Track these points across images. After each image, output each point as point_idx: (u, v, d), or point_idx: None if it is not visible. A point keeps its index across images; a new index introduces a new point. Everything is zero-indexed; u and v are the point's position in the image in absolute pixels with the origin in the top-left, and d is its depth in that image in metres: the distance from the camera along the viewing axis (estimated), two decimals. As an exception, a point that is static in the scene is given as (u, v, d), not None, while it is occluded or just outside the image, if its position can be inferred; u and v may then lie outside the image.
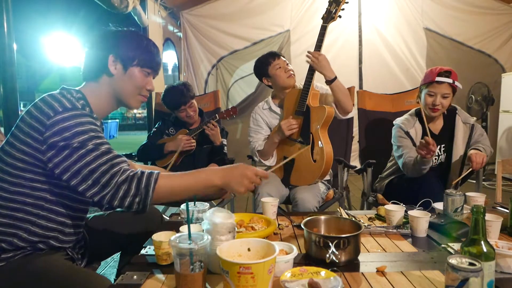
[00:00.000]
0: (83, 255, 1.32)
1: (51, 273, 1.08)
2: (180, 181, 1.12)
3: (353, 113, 2.14)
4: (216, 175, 1.12)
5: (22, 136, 1.09)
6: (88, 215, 1.44)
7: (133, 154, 2.58)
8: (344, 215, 1.49)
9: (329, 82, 1.98)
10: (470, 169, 1.95)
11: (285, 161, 1.49)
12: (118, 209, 1.49)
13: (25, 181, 1.10)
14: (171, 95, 2.44)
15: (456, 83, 1.95)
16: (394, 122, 2.17)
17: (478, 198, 1.57)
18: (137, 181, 1.06)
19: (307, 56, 1.99)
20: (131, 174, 1.07)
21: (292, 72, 2.14)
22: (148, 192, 1.06)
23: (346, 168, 2.36)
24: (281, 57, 2.18)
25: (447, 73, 1.94)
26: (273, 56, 2.17)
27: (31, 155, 1.08)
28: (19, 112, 1.98)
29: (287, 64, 2.16)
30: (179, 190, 1.11)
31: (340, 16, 1.99)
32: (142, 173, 1.08)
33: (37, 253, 1.14)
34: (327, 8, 1.99)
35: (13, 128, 1.13)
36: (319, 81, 2.19)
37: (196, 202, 1.30)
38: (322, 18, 2.00)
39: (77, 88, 1.22)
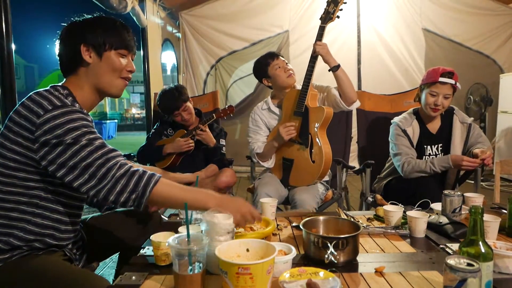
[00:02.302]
0: (81, 256, 1.32)
1: (49, 274, 1.08)
2: (177, 192, 1.11)
3: (358, 104, 2.13)
4: (213, 200, 1.11)
5: (12, 135, 1.08)
6: (86, 216, 1.44)
7: (132, 154, 2.58)
8: (343, 216, 1.49)
9: (335, 68, 1.98)
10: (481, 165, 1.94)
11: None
12: (118, 209, 1.50)
13: (18, 180, 1.10)
14: (164, 100, 2.42)
15: (457, 84, 1.97)
16: (392, 121, 2.19)
17: (476, 199, 1.57)
18: (137, 178, 1.06)
19: (314, 46, 1.99)
20: (132, 170, 1.07)
21: (291, 72, 2.14)
22: (146, 192, 1.06)
23: (344, 169, 2.36)
24: (280, 57, 2.18)
25: (450, 74, 1.96)
26: (272, 56, 2.18)
27: (22, 154, 1.08)
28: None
29: (286, 63, 2.16)
30: (173, 201, 1.12)
31: (338, 17, 2.00)
32: (144, 172, 1.08)
33: (35, 254, 1.13)
34: (325, 9, 1.99)
35: (2, 128, 1.13)
36: (318, 80, 2.19)
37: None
38: (320, 19, 2.00)
39: (61, 84, 1.20)
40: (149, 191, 1.06)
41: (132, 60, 1.28)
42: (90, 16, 1.24)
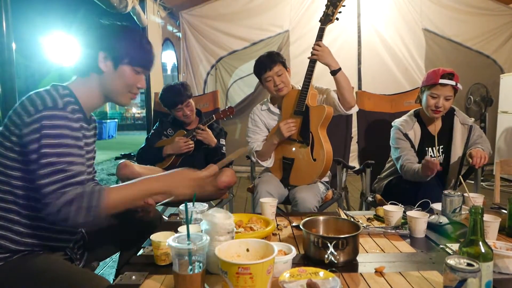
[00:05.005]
0: (82, 255, 1.32)
1: (50, 273, 1.08)
2: (126, 193, 1.08)
3: (356, 109, 2.11)
4: (156, 183, 1.12)
5: (8, 133, 1.08)
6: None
7: (132, 154, 2.58)
8: (343, 216, 1.49)
9: (334, 72, 1.96)
10: (469, 166, 1.93)
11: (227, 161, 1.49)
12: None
13: (15, 180, 1.09)
14: (168, 94, 2.46)
15: (458, 84, 1.95)
16: (392, 124, 2.17)
17: (476, 199, 1.57)
18: (86, 200, 1.00)
19: (311, 51, 1.98)
20: (77, 193, 1.00)
21: (282, 86, 2.08)
22: (98, 209, 1.00)
23: (344, 169, 2.36)
24: (274, 67, 2.06)
25: (450, 75, 1.94)
26: (265, 67, 2.07)
27: (18, 152, 1.07)
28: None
29: (280, 75, 2.07)
30: (128, 203, 1.09)
31: (337, 19, 1.99)
32: (83, 192, 1.01)
33: (36, 253, 1.13)
34: (324, 11, 1.99)
35: (1, 127, 1.12)
36: (317, 81, 2.18)
37: (195, 203, 1.30)
38: (320, 21, 2.00)
39: (65, 84, 1.19)
40: (101, 207, 1.01)
41: (145, 76, 1.27)
42: (118, 23, 1.21)
